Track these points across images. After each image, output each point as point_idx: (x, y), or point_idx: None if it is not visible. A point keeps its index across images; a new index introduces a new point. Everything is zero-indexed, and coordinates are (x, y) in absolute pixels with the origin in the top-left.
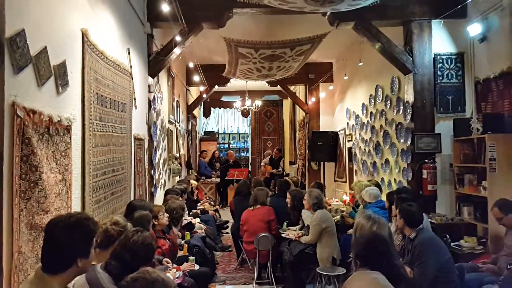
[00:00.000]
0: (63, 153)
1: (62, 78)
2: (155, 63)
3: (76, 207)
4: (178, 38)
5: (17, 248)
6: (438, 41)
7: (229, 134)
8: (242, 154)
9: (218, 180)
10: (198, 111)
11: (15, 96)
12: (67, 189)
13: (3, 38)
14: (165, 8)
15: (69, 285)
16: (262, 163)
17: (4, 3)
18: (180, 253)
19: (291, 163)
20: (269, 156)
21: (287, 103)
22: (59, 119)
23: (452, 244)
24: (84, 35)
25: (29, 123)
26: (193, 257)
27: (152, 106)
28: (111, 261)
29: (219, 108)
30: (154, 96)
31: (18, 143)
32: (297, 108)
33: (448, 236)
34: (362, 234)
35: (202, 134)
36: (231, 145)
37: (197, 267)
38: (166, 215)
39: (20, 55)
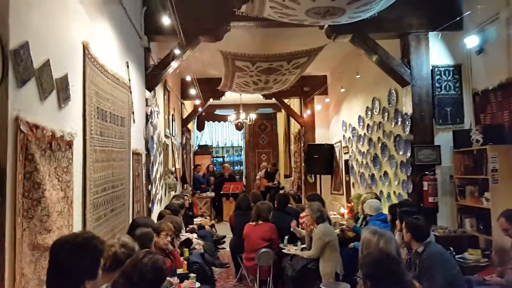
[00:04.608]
0: (65, 169)
1: (64, 91)
2: (152, 77)
3: (77, 225)
4: (176, 51)
5: (19, 270)
6: (436, 53)
7: (222, 147)
8: (236, 167)
9: (213, 194)
10: (192, 125)
11: (19, 110)
12: (68, 206)
13: (7, 51)
14: (166, 21)
15: None
16: (258, 176)
17: (8, 15)
18: (179, 271)
19: (286, 176)
20: (264, 169)
21: (281, 116)
22: (61, 134)
23: (456, 256)
24: (85, 48)
25: (32, 139)
26: (194, 275)
27: (150, 120)
28: (119, 280)
29: (213, 122)
30: (151, 110)
31: (21, 159)
32: (292, 121)
33: (452, 248)
34: (369, 252)
35: (196, 148)
36: (225, 158)
37: (197, 284)
38: (169, 238)
39: (23, 68)
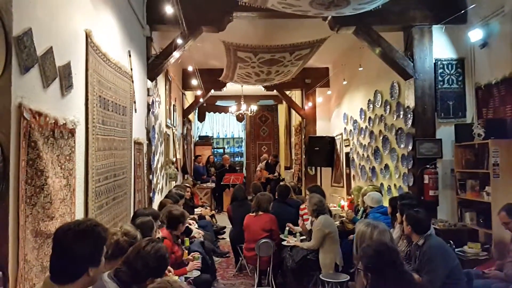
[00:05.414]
0: (68, 157)
1: (67, 79)
2: (154, 67)
3: (79, 213)
4: (179, 41)
5: (22, 257)
6: (439, 46)
7: (223, 138)
8: (236, 159)
9: (213, 185)
10: (193, 116)
11: (22, 97)
12: (71, 194)
13: (10, 37)
14: (168, 10)
15: None
16: (258, 168)
17: (11, 1)
18: None
19: (286, 168)
20: (265, 161)
21: (282, 108)
22: (64, 121)
23: (456, 250)
24: (88, 36)
25: (35, 126)
26: (199, 255)
27: (151, 110)
28: (122, 268)
29: (214, 113)
30: (152, 100)
31: (24, 146)
32: (293, 112)
33: (452, 242)
34: (369, 244)
35: (197, 138)
36: (225, 149)
37: (198, 273)
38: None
39: (27, 55)
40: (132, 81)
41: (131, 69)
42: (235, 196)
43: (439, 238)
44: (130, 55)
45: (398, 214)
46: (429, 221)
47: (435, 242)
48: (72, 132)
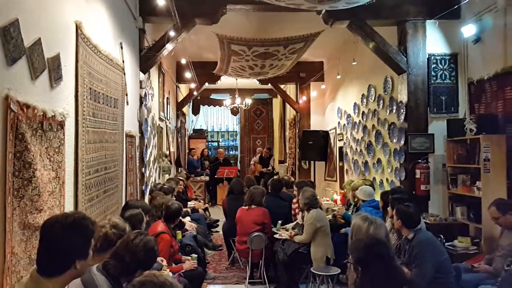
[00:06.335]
0: (57, 150)
1: (56, 71)
2: (147, 59)
3: (69, 205)
4: (171, 33)
5: (9, 249)
6: (432, 41)
7: (217, 132)
8: (231, 152)
9: (207, 178)
10: (187, 109)
11: (9, 89)
12: (60, 187)
13: None
14: (161, 2)
15: None
16: (252, 162)
17: None
18: None
19: (280, 162)
20: (259, 154)
21: (277, 102)
22: (53, 114)
23: (446, 244)
24: (78, 27)
25: (23, 118)
26: (196, 255)
27: (144, 103)
28: (111, 261)
29: (208, 106)
30: (145, 92)
31: (12, 138)
32: (287, 106)
33: (442, 236)
34: (360, 238)
35: (191, 131)
36: (219, 143)
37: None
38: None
39: (13, 46)
40: (124, 73)
41: (123, 61)
42: (232, 189)
43: (429, 233)
44: (122, 47)
45: (389, 208)
46: (419, 215)
47: (424, 236)
48: (61, 125)
